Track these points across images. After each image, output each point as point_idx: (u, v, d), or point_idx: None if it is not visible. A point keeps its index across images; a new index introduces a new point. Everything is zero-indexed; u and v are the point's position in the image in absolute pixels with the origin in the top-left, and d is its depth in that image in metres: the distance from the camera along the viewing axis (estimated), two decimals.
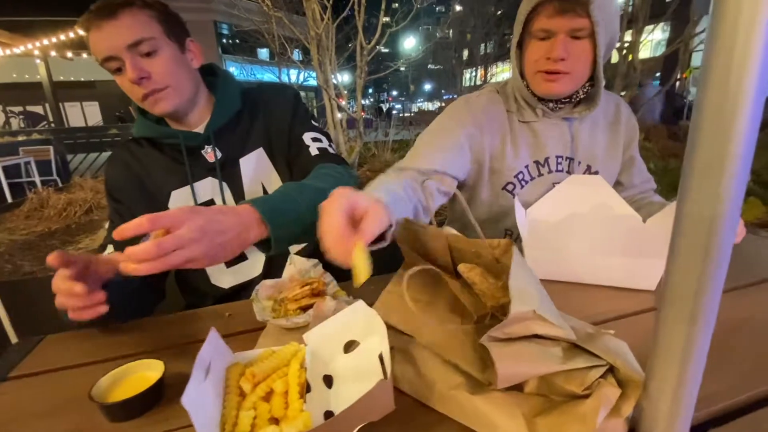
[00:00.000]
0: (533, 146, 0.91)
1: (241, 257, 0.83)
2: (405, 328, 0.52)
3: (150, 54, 0.70)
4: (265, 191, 0.83)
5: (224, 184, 0.80)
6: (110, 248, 0.74)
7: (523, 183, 0.91)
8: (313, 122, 0.87)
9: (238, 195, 0.81)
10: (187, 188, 0.80)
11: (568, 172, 0.92)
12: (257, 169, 0.82)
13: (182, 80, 0.75)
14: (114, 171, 0.81)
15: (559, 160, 0.91)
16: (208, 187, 0.80)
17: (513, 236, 0.96)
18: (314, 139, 0.83)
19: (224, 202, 0.81)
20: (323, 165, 0.77)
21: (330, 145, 0.85)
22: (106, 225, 0.82)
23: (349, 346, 0.49)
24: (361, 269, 0.42)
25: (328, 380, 0.46)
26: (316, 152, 0.81)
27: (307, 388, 0.43)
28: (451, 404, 0.43)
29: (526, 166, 0.91)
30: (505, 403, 0.40)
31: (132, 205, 0.79)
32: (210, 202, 0.80)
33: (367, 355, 0.45)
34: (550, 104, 0.87)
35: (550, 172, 0.91)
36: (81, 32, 0.71)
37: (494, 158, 0.90)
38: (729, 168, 0.26)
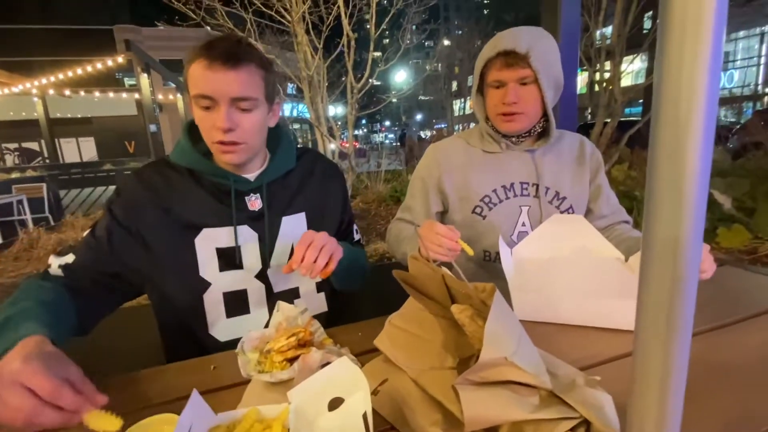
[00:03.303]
0: (498, 173, 1.02)
1: (244, 310, 0.81)
2: (399, 361, 0.55)
3: (245, 110, 0.72)
4: (291, 253, 0.82)
5: (257, 235, 0.81)
6: (70, 257, 0.71)
7: (491, 206, 1.01)
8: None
9: (270, 247, 0.81)
10: (222, 229, 0.78)
11: (536, 197, 1.01)
12: (294, 231, 0.83)
13: (259, 139, 0.78)
14: (138, 193, 0.77)
15: (525, 185, 1.01)
16: (244, 234, 0.79)
17: (491, 258, 1.02)
18: (357, 231, 0.99)
19: (258, 251, 0.81)
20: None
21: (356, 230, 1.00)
22: (85, 233, 0.76)
23: (334, 404, 0.48)
24: (467, 248, 0.77)
25: None
26: (355, 239, 0.97)
27: None
28: None
29: (494, 190, 1.01)
30: None
31: (147, 230, 0.75)
32: (237, 249, 0.79)
33: (352, 414, 0.45)
34: (513, 138, 1.01)
35: (515, 196, 1.01)
36: (188, 57, 0.70)
37: (458, 189, 1.04)
38: (688, 188, 0.27)
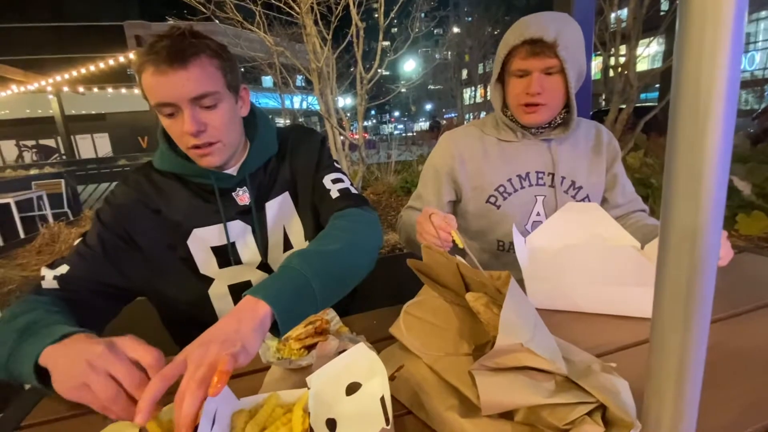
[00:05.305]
0: (514, 162, 1.00)
1: None
2: (415, 347, 0.56)
3: (210, 107, 0.69)
4: (285, 235, 0.83)
5: (250, 228, 0.80)
6: (64, 267, 0.68)
7: (505, 195, 1.00)
8: (335, 164, 0.88)
9: (263, 238, 0.81)
10: (212, 228, 0.78)
11: (551, 186, 0.99)
12: (281, 213, 0.83)
13: (233, 134, 0.74)
14: (127, 198, 0.76)
15: (540, 175, 1.00)
16: (236, 229, 0.79)
17: (505, 248, 1.02)
18: (335, 181, 0.83)
19: (254, 244, 0.80)
20: (338, 214, 0.76)
21: (351, 185, 0.85)
22: (75, 243, 0.74)
23: (352, 389, 0.49)
24: (458, 240, 0.72)
25: (332, 424, 0.47)
26: (337, 194, 0.81)
27: None
28: (443, 423, 0.46)
29: (509, 180, 1.00)
30: (491, 429, 0.42)
31: (139, 234, 0.75)
32: (232, 246, 0.79)
33: (369, 398, 0.46)
34: (532, 129, 0.99)
35: (531, 185, 1.00)
36: (133, 68, 0.67)
37: (472, 178, 1.02)
38: (707, 177, 0.27)
